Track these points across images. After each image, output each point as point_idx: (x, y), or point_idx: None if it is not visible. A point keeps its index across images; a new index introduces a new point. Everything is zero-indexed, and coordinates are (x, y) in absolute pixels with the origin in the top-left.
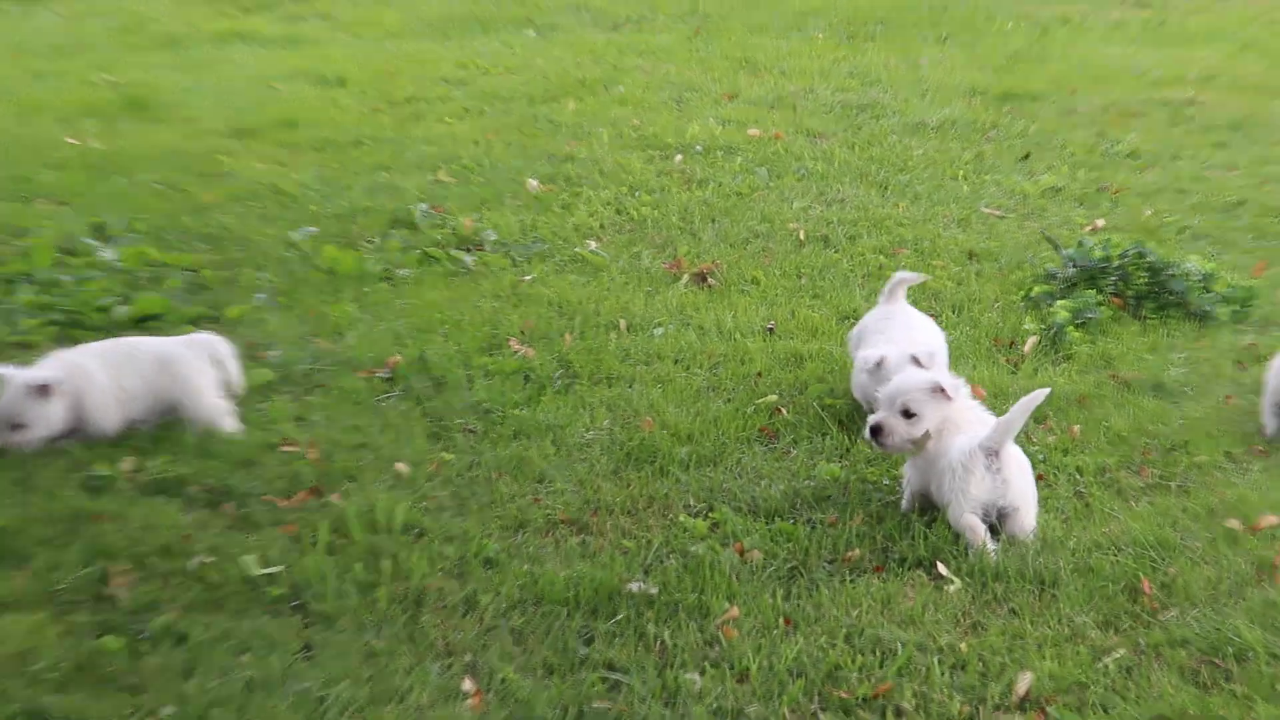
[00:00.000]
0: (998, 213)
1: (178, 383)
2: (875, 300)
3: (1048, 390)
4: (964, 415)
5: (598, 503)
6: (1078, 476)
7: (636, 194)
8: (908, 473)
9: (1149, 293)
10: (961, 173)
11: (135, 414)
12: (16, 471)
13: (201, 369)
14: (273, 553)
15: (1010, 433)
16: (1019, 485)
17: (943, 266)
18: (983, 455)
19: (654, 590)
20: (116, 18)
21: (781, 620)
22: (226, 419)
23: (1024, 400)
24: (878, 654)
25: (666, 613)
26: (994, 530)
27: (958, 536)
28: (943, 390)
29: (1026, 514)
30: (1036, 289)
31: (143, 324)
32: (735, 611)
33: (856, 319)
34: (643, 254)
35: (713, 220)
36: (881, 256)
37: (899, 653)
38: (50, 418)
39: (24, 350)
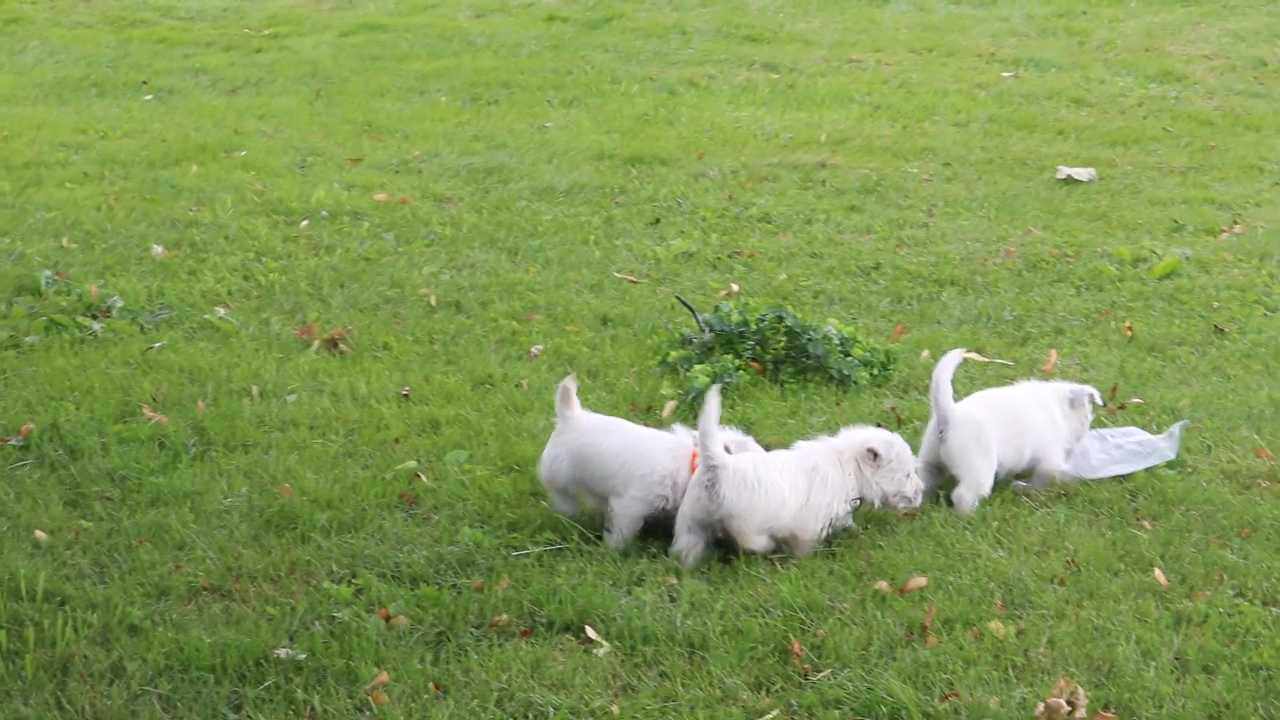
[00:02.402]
0: (631, 278)
1: None
2: (513, 369)
3: (718, 387)
4: None
5: (240, 569)
6: None
7: (263, 260)
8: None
9: (788, 357)
10: (592, 237)
11: None
12: None
13: None
14: None
15: (710, 441)
16: (737, 503)
17: (577, 332)
18: (704, 472)
19: (301, 656)
20: None
21: (431, 685)
22: None
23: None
24: (530, 718)
25: (315, 678)
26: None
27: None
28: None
29: (742, 534)
30: (673, 354)
31: None
32: (384, 677)
33: (492, 385)
34: (272, 320)
35: (342, 286)
36: (514, 322)
37: (551, 716)
38: None
39: None
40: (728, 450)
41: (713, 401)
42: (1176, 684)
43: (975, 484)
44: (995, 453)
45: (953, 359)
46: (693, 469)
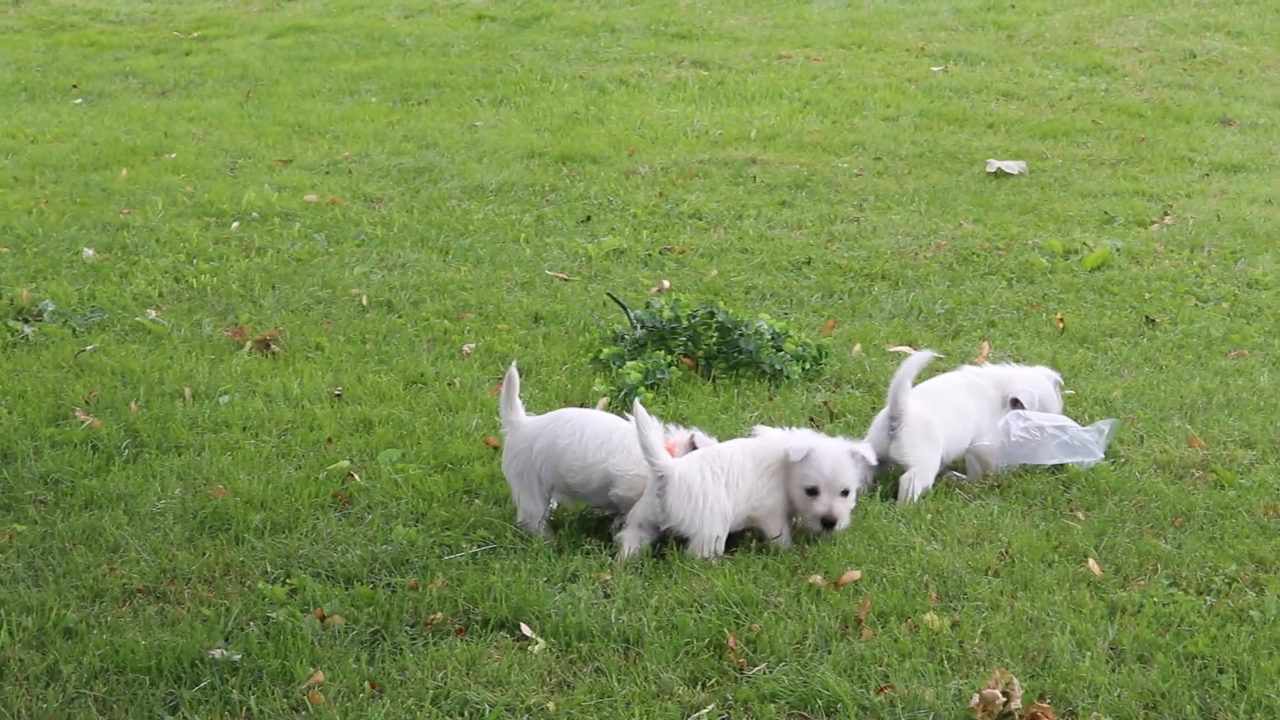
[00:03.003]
0: (562, 275)
1: None
2: (445, 367)
3: (638, 399)
4: None
5: (174, 571)
6: None
7: (195, 262)
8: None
9: (720, 352)
10: (523, 235)
11: None
12: None
13: None
14: None
15: (651, 454)
16: (682, 514)
17: (508, 330)
18: (655, 478)
19: (236, 657)
20: None
21: (367, 684)
22: None
23: (638, 418)
24: (466, 715)
25: (250, 679)
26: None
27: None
28: (864, 457)
29: (695, 542)
30: (606, 351)
31: None
32: (320, 676)
33: (424, 384)
34: (204, 322)
35: (273, 287)
36: (446, 321)
37: (487, 714)
38: None
39: None
40: (693, 445)
41: (642, 413)
42: (1112, 674)
43: (924, 475)
44: (942, 447)
45: (921, 359)
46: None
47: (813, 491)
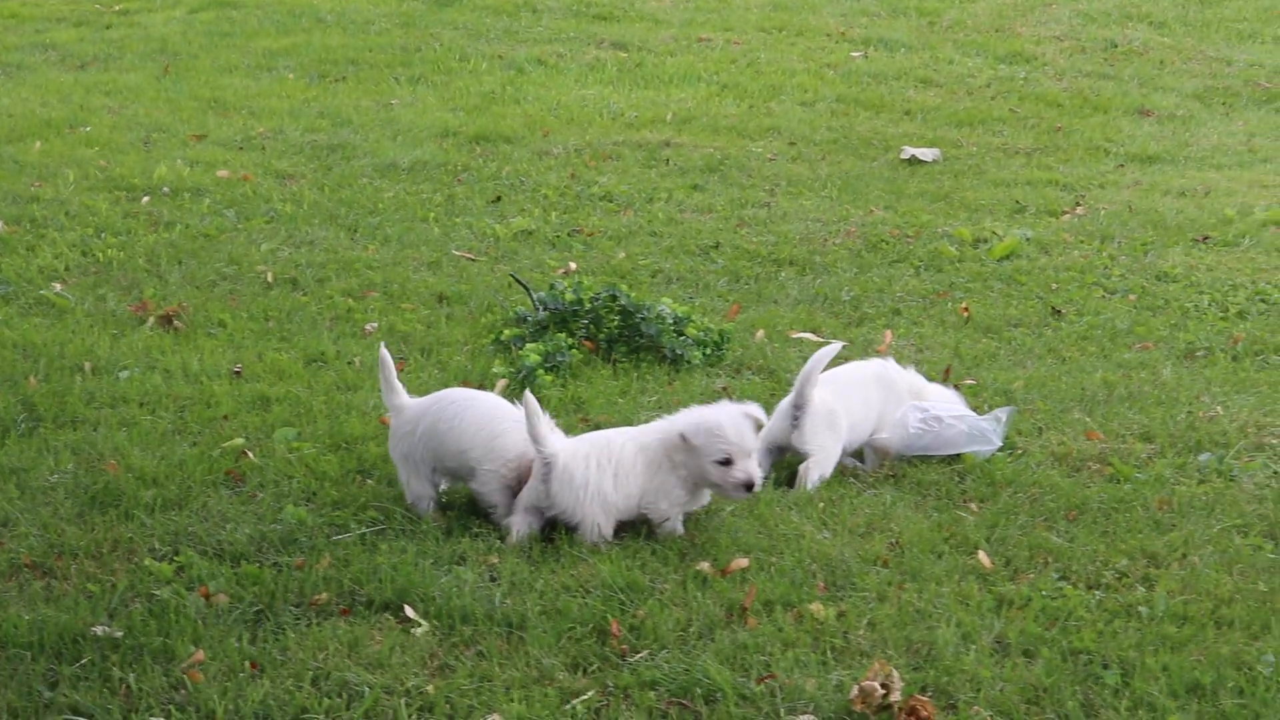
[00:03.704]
0: (469, 255)
1: None
2: (346, 346)
3: (528, 391)
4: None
5: (62, 546)
6: None
7: (103, 236)
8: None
9: (621, 336)
10: (433, 215)
11: None
12: None
13: None
14: None
15: (538, 439)
16: (565, 501)
17: (412, 309)
18: (540, 464)
19: (119, 634)
20: None
21: (248, 664)
22: None
23: (527, 407)
24: (345, 696)
25: (132, 656)
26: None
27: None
28: (757, 418)
29: (581, 528)
30: (507, 332)
31: None
32: (201, 655)
33: (324, 362)
34: (108, 296)
35: (180, 262)
36: (350, 300)
37: (365, 695)
38: None
39: None
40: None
41: (532, 402)
42: (995, 667)
43: (822, 464)
44: (844, 439)
45: (830, 350)
46: None
47: (726, 462)
